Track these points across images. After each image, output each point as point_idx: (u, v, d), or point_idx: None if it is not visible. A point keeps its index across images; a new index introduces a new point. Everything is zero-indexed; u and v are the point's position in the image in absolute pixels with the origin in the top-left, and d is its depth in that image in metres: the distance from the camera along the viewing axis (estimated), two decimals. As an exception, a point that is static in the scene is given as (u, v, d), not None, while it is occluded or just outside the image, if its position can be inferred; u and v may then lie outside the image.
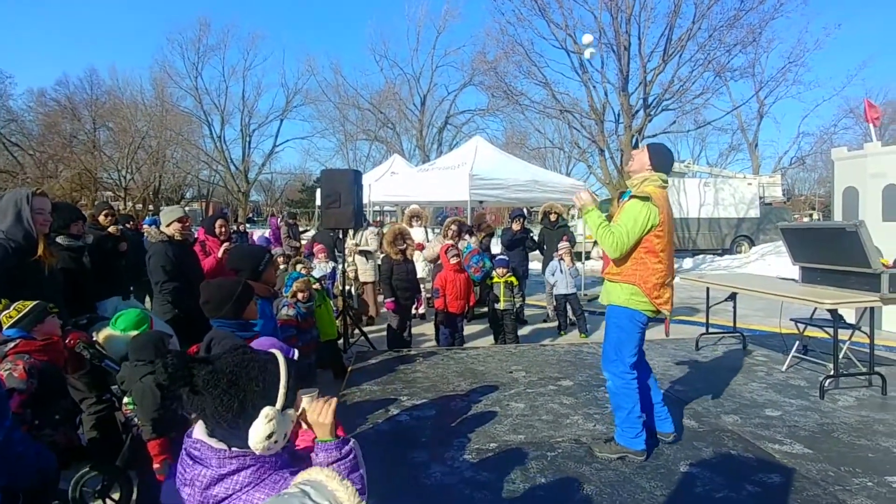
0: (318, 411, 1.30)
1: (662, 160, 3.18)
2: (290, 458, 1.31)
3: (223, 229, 4.77)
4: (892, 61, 53.24)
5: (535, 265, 9.91)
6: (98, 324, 2.97)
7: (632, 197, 3.08)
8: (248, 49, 34.73)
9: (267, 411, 1.16)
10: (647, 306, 3.09)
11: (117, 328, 2.81)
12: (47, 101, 30.62)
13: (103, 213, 5.54)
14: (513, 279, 6.29)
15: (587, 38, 9.69)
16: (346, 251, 7.16)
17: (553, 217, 7.94)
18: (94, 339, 2.81)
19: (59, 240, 3.46)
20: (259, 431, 1.14)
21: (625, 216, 3.03)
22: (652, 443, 3.26)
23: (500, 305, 6.20)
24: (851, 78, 26.55)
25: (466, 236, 7.00)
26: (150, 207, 31.23)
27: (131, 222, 8.19)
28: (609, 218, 3.24)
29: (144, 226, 8.90)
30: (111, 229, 5.45)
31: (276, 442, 1.17)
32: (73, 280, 3.49)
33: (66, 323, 2.96)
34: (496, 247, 9.34)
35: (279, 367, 1.25)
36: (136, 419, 2.63)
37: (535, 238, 8.07)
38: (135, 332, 2.76)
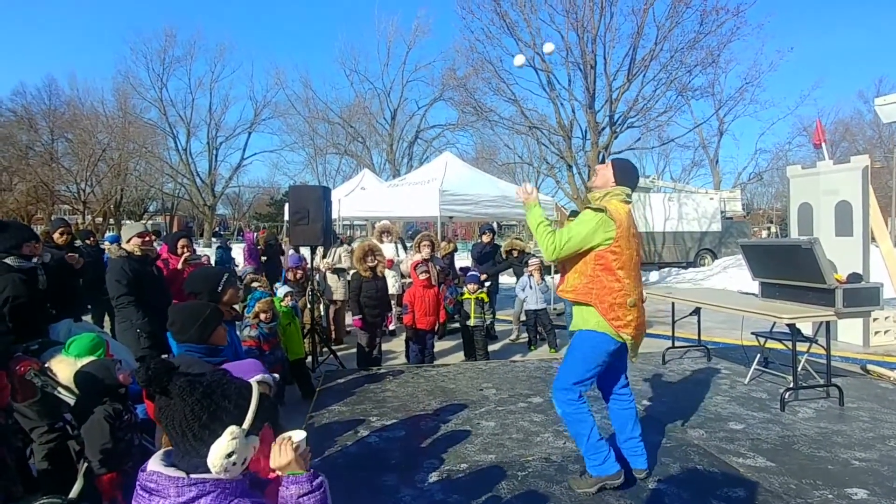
0: (277, 455, 1.33)
1: (627, 176, 3.04)
2: (251, 485, 1.32)
3: (185, 250, 4.65)
4: (843, 82, 56.16)
5: (504, 279, 9.95)
6: (50, 349, 2.82)
7: (587, 208, 2.98)
8: (216, 61, 34.37)
9: (232, 429, 1.19)
10: (612, 330, 2.88)
11: (70, 354, 2.68)
12: (2, 112, 29.49)
13: (59, 230, 5.33)
14: (483, 295, 6.29)
15: (548, 47, 10.37)
16: (320, 269, 7.04)
17: (515, 253, 7.85)
18: (46, 365, 2.68)
19: (8, 261, 3.30)
20: (221, 448, 1.17)
21: (574, 223, 2.92)
22: (624, 467, 3.06)
23: (471, 322, 6.20)
24: (804, 98, 27.67)
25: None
26: (111, 221, 30.25)
27: (91, 238, 7.89)
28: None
29: (106, 242, 8.63)
30: (61, 241, 5.24)
31: (234, 464, 1.19)
32: (25, 303, 3.32)
33: (17, 349, 2.82)
34: (460, 261, 9.33)
35: (252, 394, 1.29)
36: None
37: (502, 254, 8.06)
38: (90, 358, 2.64)
